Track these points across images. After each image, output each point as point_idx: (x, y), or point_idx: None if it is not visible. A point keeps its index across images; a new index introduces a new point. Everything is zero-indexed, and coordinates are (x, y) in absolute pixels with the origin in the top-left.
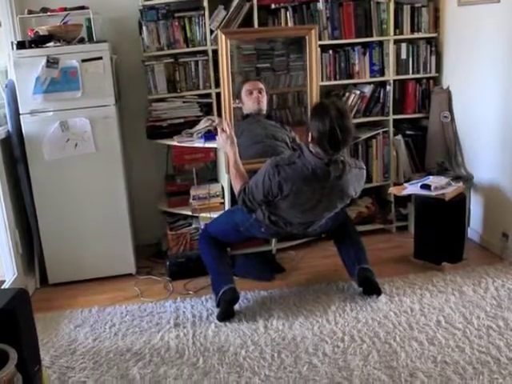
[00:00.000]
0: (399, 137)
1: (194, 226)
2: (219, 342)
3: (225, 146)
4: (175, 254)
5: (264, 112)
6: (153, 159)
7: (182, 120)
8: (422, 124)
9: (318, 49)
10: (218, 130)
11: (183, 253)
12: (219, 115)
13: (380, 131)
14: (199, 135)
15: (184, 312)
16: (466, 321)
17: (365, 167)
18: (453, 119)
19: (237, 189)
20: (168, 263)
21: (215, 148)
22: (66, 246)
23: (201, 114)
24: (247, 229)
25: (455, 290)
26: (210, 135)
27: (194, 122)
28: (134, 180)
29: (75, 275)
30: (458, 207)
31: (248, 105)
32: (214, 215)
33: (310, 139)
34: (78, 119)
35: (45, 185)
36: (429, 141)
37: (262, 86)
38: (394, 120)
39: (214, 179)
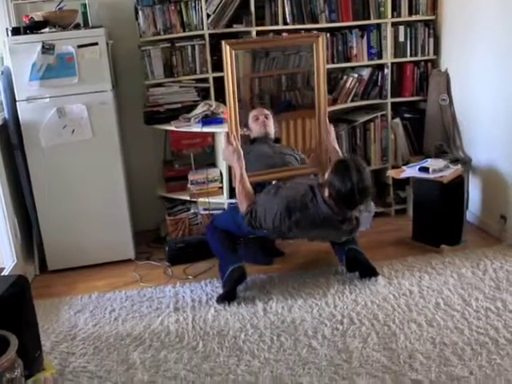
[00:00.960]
0: (397, 120)
1: (192, 210)
2: (219, 325)
3: (231, 160)
4: (174, 239)
5: (271, 136)
6: (150, 145)
7: (179, 105)
8: (420, 107)
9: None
10: (224, 142)
11: (182, 238)
12: (216, 99)
13: (378, 114)
14: (197, 120)
15: (183, 296)
16: (464, 302)
17: (374, 209)
18: (451, 102)
19: (243, 208)
20: (167, 248)
21: (213, 133)
22: (65, 233)
23: (198, 98)
24: (250, 231)
25: (454, 272)
26: (208, 120)
27: (191, 107)
28: (132, 166)
29: (74, 261)
30: (456, 190)
31: (255, 130)
32: (213, 200)
33: (327, 194)
34: (74, 105)
35: (42, 171)
36: (427, 124)
37: (267, 112)
38: (392, 103)
39: (212, 164)
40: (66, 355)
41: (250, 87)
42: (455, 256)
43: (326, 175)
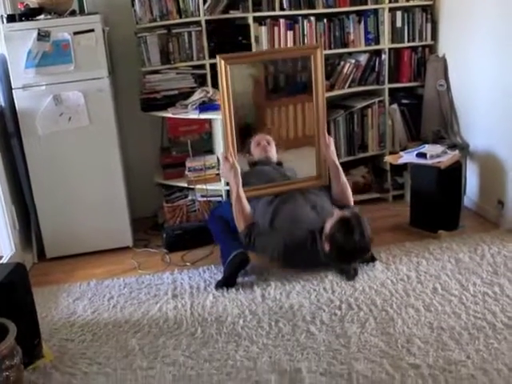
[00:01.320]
0: (395, 106)
1: (190, 197)
2: (217, 312)
3: (228, 177)
4: (172, 226)
5: (273, 160)
6: (148, 132)
7: (176, 92)
8: (417, 92)
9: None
10: (222, 158)
11: (180, 225)
12: (213, 86)
13: (375, 100)
14: (194, 106)
15: (182, 283)
16: (462, 287)
17: (369, 249)
18: (448, 87)
19: (239, 226)
20: (165, 235)
21: (210, 119)
22: (63, 220)
23: (195, 85)
24: None
25: (451, 257)
26: (205, 106)
27: (188, 94)
28: (130, 153)
29: (73, 249)
30: (453, 175)
31: (256, 154)
32: (210, 187)
33: (327, 248)
34: (71, 93)
35: (39, 159)
36: (424, 109)
37: (269, 137)
38: (390, 89)
39: (210, 151)
40: (64, 342)
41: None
42: (453, 241)
43: (327, 227)
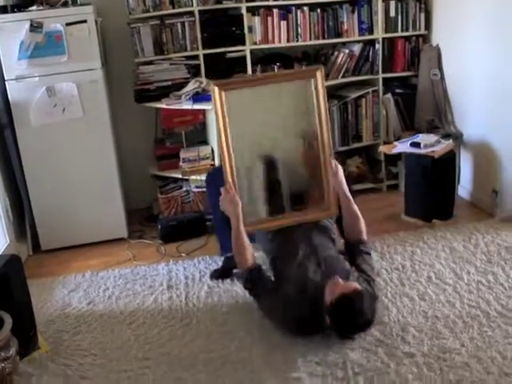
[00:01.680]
0: (389, 95)
1: (184, 188)
2: (212, 302)
3: (228, 211)
4: (166, 218)
5: None
6: (142, 123)
7: (169, 82)
8: (411, 82)
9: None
10: (222, 190)
11: (174, 216)
12: (207, 77)
13: (369, 90)
14: (187, 97)
15: (177, 274)
16: (456, 276)
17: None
18: (442, 77)
19: (240, 265)
20: (159, 226)
21: (204, 110)
22: (58, 212)
23: (188, 75)
24: None
25: (446, 246)
26: (199, 97)
27: (181, 84)
28: (124, 144)
29: (68, 241)
30: (447, 165)
31: None
32: (205, 178)
33: (328, 321)
34: (64, 84)
35: (33, 151)
36: (418, 99)
37: None
38: (384, 79)
39: (204, 141)
40: (60, 333)
41: None
42: (447, 230)
43: (327, 299)
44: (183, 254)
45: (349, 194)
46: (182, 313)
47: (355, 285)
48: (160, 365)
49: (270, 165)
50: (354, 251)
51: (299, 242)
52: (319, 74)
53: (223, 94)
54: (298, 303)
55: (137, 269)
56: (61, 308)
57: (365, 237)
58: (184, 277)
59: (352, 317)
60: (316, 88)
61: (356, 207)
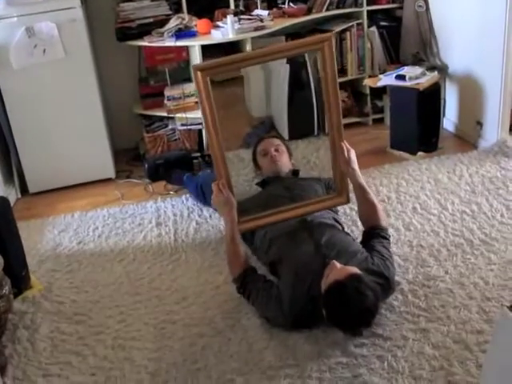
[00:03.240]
0: (373, 28)
1: (170, 126)
2: (200, 238)
3: (222, 212)
4: (153, 156)
5: (285, 172)
6: (125, 62)
7: (151, 19)
8: (396, 15)
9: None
10: (215, 188)
11: (161, 154)
12: (189, 12)
13: (354, 23)
14: (170, 34)
15: (165, 211)
16: (441, 207)
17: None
18: (428, 8)
19: (232, 272)
20: (146, 166)
21: (187, 47)
22: (44, 155)
23: (170, 12)
24: None
25: (430, 178)
26: (181, 33)
27: (163, 21)
28: (107, 84)
29: (55, 183)
30: (432, 97)
31: (265, 168)
32: (190, 115)
33: (324, 313)
34: (43, 23)
35: (16, 94)
36: (403, 31)
37: (278, 142)
38: (368, 11)
39: (188, 79)
40: (52, 273)
41: None
42: (432, 163)
43: (322, 288)
44: (171, 192)
45: (364, 183)
46: (171, 249)
47: (352, 269)
48: (151, 299)
49: None
50: (371, 236)
51: (297, 229)
52: (327, 45)
53: (208, 78)
54: (295, 294)
55: (125, 208)
56: (52, 248)
57: (383, 223)
58: (172, 214)
59: (345, 308)
60: (323, 60)
61: (372, 196)
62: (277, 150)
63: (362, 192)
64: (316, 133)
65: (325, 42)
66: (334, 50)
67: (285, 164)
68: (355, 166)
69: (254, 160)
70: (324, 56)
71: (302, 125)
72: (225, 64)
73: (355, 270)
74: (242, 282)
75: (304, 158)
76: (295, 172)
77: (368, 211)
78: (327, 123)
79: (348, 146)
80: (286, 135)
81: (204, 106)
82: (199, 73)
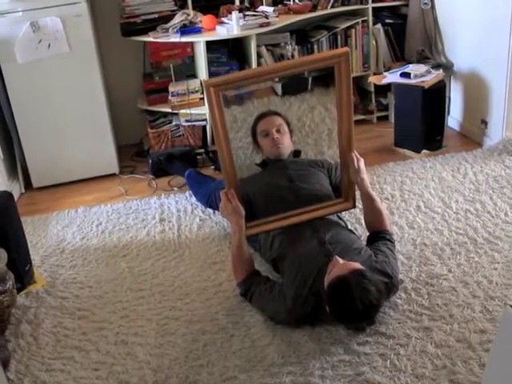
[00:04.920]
0: (378, 26)
1: (174, 123)
2: (204, 234)
3: (230, 220)
4: (157, 152)
5: (285, 156)
6: (129, 58)
7: (156, 15)
8: (401, 12)
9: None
10: (223, 198)
11: (165, 150)
12: (194, 8)
13: (359, 20)
14: (175, 30)
15: (169, 207)
16: (444, 205)
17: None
18: (433, 6)
19: (237, 277)
20: (150, 161)
21: (192, 43)
22: (48, 149)
23: (175, 8)
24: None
25: (435, 176)
26: (186, 29)
27: (168, 17)
28: (112, 80)
29: (59, 178)
30: (437, 95)
31: (266, 149)
32: (194, 111)
33: (327, 309)
34: (48, 18)
35: (21, 88)
36: (408, 29)
37: (280, 121)
38: (373, 8)
39: (193, 75)
40: (55, 268)
41: None
42: (436, 161)
43: (325, 283)
44: (175, 188)
45: (372, 192)
46: (174, 245)
47: (354, 265)
48: (154, 295)
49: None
50: (375, 239)
51: (301, 226)
52: (344, 62)
53: (220, 94)
54: (298, 290)
55: (129, 203)
56: (55, 244)
57: (389, 228)
58: (176, 210)
59: (348, 303)
60: (339, 75)
61: (379, 203)
62: (278, 131)
63: (369, 200)
64: (310, 88)
65: (342, 57)
66: (350, 65)
67: (287, 146)
68: (364, 175)
69: (254, 136)
70: (340, 71)
71: (295, 81)
72: (238, 80)
73: (358, 265)
74: (246, 285)
75: (299, 121)
76: (296, 153)
77: (374, 218)
78: (338, 133)
79: (358, 155)
80: (279, 91)
81: (216, 121)
82: (212, 89)
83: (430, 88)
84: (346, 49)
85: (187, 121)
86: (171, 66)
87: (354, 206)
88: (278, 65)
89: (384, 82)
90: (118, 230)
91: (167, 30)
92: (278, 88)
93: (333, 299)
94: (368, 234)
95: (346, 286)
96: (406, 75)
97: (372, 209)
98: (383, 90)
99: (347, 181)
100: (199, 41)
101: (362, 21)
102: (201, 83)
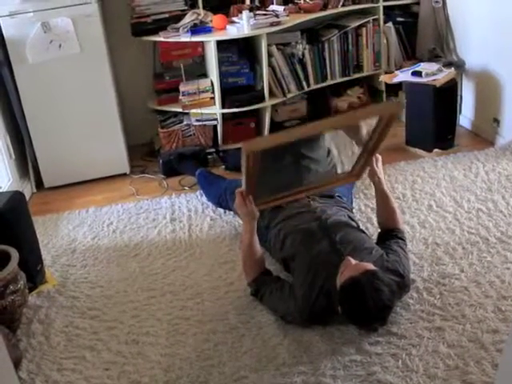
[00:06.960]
0: (390, 24)
1: (185, 122)
2: (214, 233)
3: (243, 219)
4: (168, 152)
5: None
6: (140, 57)
7: (166, 15)
8: (412, 10)
9: None
10: (238, 198)
11: (176, 150)
12: (204, 8)
13: (370, 19)
14: (185, 29)
15: (179, 207)
16: (456, 204)
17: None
18: (444, 4)
19: (247, 277)
20: (161, 161)
21: (202, 42)
22: (59, 149)
23: (186, 7)
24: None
25: (446, 175)
26: (197, 29)
27: (179, 17)
28: (122, 80)
29: (70, 178)
30: (449, 93)
31: None
32: (205, 111)
33: (339, 310)
34: (59, 19)
35: (32, 88)
36: (420, 27)
37: None
38: (384, 7)
39: (203, 74)
40: (67, 268)
41: None
42: (447, 160)
43: (338, 284)
44: (186, 188)
45: (388, 191)
46: (185, 244)
47: (367, 265)
48: (165, 294)
49: None
50: (387, 237)
51: (312, 226)
52: (393, 118)
53: (259, 153)
54: (309, 290)
55: (140, 203)
56: (66, 243)
57: (401, 226)
58: (187, 209)
59: (361, 304)
60: (381, 127)
61: (393, 202)
62: None
63: (384, 199)
64: None
65: (393, 114)
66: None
67: None
68: (381, 175)
69: None
70: (384, 124)
71: None
72: (279, 143)
73: (370, 265)
74: (257, 285)
75: None
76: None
77: (387, 216)
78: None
79: (377, 155)
80: None
81: (250, 174)
82: (251, 153)
83: (442, 86)
84: (398, 104)
85: (198, 120)
86: (182, 65)
87: (358, 180)
88: (326, 122)
89: (395, 80)
90: (129, 230)
91: (178, 29)
92: None
93: (346, 301)
94: (380, 230)
95: (359, 287)
96: (417, 74)
97: (386, 207)
98: (394, 88)
99: (363, 163)
100: (210, 40)
101: (373, 19)
102: (211, 82)
